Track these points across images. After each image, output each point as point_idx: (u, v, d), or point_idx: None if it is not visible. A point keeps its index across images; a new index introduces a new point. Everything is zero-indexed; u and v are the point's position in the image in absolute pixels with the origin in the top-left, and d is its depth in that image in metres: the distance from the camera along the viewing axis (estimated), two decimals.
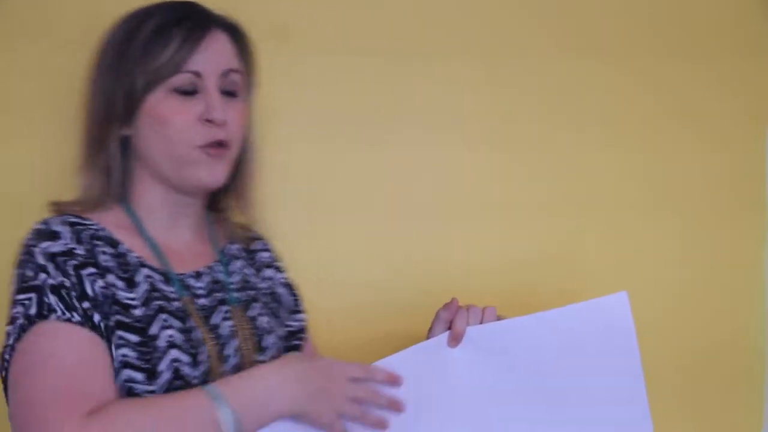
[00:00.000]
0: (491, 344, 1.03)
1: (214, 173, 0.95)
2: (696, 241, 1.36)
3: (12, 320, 0.85)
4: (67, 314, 0.84)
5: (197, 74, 0.93)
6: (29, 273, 0.86)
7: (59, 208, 0.95)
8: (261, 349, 0.99)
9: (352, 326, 1.29)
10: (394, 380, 0.93)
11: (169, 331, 0.90)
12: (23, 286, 0.86)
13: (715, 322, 1.38)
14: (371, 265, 1.32)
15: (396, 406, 0.93)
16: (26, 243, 0.89)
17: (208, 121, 0.94)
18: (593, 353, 1.08)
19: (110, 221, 0.95)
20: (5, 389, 0.86)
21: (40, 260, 0.86)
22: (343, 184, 1.32)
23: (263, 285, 1.07)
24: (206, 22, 0.96)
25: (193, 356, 0.91)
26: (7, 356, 0.84)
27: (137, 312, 0.89)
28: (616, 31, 1.34)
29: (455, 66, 1.31)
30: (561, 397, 1.07)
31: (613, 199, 1.35)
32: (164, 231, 0.98)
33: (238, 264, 1.06)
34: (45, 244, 0.88)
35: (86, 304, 0.85)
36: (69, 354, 0.83)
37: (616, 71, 1.34)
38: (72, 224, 0.91)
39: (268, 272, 1.10)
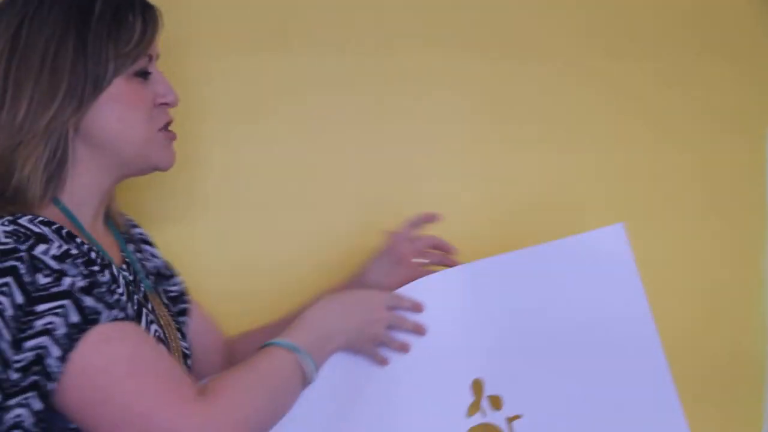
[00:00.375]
0: (490, 280, 1.08)
1: (172, 154, 0.97)
2: (696, 241, 1.36)
3: (42, 332, 0.77)
4: (114, 313, 0.81)
5: (150, 57, 0.93)
6: (45, 280, 0.78)
7: None
8: (182, 334, 1.04)
9: None
10: (418, 307, 1.02)
11: (154, 326, 0.91)
12: (43, 294, 0.78)
13: (715, 322, 1.39)
14: None
15: (420, 330, 1.02)
16: (12, 248, 0.79)
17: (163, 104, 0.95)
18: (593, 286, 1.11)
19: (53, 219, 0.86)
20: (64, 407, 0.80)
21: (53, 265, 0.79)
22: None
23: (150, 264, 1.06)
24: (149, 5, 0.94)
25: (168, 349, 0.93)
26: (56, 369, 0.77)
27: (129, 309, 0.86)
28: (616, 30, 1.35)
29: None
30: (564, 329, 1.10)
31: (613, 198, 1.35)
32: (90, 224, 0.93)
33: (131, 248, 1.03)
34: (41, 248, 0.80)
35: (116, 298, 0.84)
36: (144, 349, 0.82)
37: (615, 70, 1.34)
38: (41, 223, 0.83)
39: (146, 248, 1.09)
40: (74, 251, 0.82)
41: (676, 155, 1.34)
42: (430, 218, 1.13)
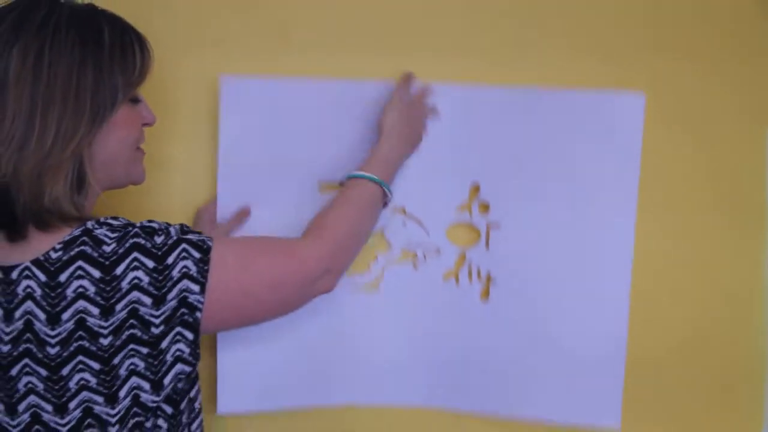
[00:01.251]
0: (509, 106, 1.26)
1: (144, 169, 1.06)
2: (695, 241, 1.37)
3: (180, 278, 0.90)
4: (206, 236, 0.96)
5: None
6: (159, 239, 0.91)
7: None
8: None
9: None
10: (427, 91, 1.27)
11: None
12: (165, 249, 0.91)
13: (714, 321, 1.39)
14: None
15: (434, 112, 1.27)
16: (124, 233, 0.91)
17: (145, 125, 1.03)
18: (598, 138, 1.27)
19: None
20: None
21: (156, 225, 0.93)
22: None
23: None
24: (138, 32, 1.00)
25: None
26: (199, 301, 0.92)
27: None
28: (616, 29, 1.35)
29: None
30: (559, 165, 1.27)
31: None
32: None
33: None
34: (138, 223, 0.93)
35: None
36: (245, 241, 1.04)
37: (615, 70, 1.35)
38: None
39: None
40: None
41: (675, 155, 1.35)
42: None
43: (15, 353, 0.88)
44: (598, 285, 1.30)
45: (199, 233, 0.95)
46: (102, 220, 0.92)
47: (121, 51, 0.95)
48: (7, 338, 0.89)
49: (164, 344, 0.90)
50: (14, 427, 0.90)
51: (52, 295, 0.87)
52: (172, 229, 0.93)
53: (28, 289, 0.88)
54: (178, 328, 0.91)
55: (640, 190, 1.33)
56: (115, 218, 0.93)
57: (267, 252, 1.00)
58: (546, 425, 1.32)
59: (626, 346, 1.33)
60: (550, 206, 1.29)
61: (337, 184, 1.26)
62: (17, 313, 0.88)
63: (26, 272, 0.88)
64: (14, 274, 0.89)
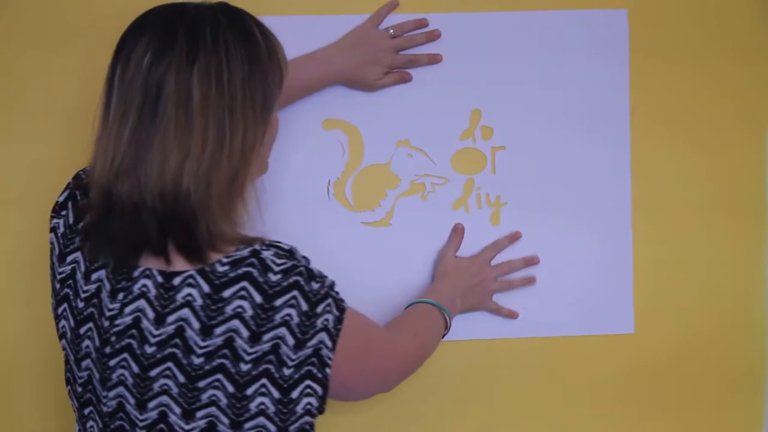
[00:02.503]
0: (498, 30, 1.32)
1: None
2: (695, 241, 1.37)
3: (321, 330, 0.91)
4: (344, 302, 0.97)
5: None
6: (316, 285, 0.92)
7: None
8: None
9: None
10: (422, 23, 1.30)
11: None
12: (318, 298, 0.91)
13: (714, 322, 1.38)
14: None
15: (434, 36, 1.31)
16: (292, 265, 0.91)
17: None
18: (586, 55, 1.33)
19: None
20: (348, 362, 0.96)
21: (317, 272, 0.93)
22: None
23: None
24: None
25: None
26: (329, 354, 0.92)
27: None
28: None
29: None
30: (553, 85, 1.33)
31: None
32: None
33: None
34: (304, 260, 0.95)
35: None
36: (365, 318, 1.03)
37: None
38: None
39: None
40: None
41: (675, 155, 1.36)
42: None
43: (159, 355, 0.90)
44: (601, 195, 1.34)
45: (338, 293, 0.96)
46: (269, 241, 0.93)
47: (275, 54, 0.95)
48: (153, 340, 0.90)
49: (295, 394, 0.91)
50: (142, 421, 0.92)
51: (213, 307, 0.88)
52: (327, 280, 0.93)
53: (189, 297, 0.89)
54: (308, 381, 0.91)
55: (640, 191, 1.35)
56: (280, 242, 0.94)
57: (381, 337, 1.06)
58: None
59: (629, 354, 1.37)
60: (550, 124, 1.33)
61: (341, 121, 1.32)
62: (170, 318, 0.89)
63: (190, 280, 0.89)
64: (176, 281, 0.90)
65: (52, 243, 1.03)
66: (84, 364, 0.97)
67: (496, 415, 1.37)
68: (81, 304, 0.97)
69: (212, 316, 0.88)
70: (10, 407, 1.34)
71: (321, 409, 0.95)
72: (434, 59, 1.30)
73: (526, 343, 1.36)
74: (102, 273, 0.95)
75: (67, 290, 0.99)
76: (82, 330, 0.97)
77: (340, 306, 0.94)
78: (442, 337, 1.21)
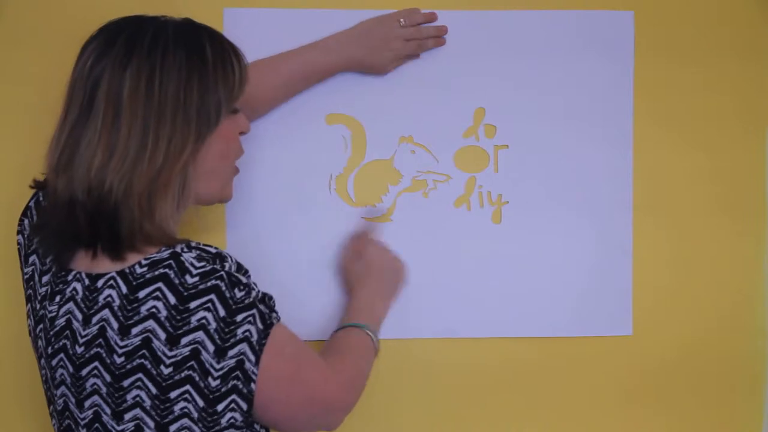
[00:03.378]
0: (504, 29, 1.32)
1: (232, 189, 1.07)
2: (695, 241, 1.37)
3: (241, 340, 0.89)
4: (274, 315, 0.96)
5: None
6: (240, 293, 0.90)
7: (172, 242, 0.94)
8: None
9: None
10: (431, 17, 1.30)
11: None
12: (239, 306, 0.89)
13: (715, 321, 1.38)
14: None
15: (442, 31, 1.31)
16: (210, 269, 0.90)
17: (241, 133, 1.05)
18: (590, 55, 1.33)
19: None
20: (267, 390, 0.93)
21: (243, 279, 0.91)
22: None
23: None
24: (233, 44, 1.01)
25: None
26: (253, 372, 0.90)
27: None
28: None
29: None
30: (557, 85, 1.33)
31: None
32: None
33: None
34: (227, 265, 0.93)
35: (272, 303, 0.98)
36: (297, 340, 0.99)
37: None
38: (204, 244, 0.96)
39: None
40: (239, 263, 0.97)
41: (675, 155, 1.36)
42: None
43: (87, 355, 0.91)
44: (603, 195, 1.34)
45: (271, 308, 0.96)
46: (194, 244, 0.93)
47: (222, 66, 0.96)
48: (82, 340, 0.92)
49: (220, 407, 0.90)
50: (81, 420, 0.94)
51: (128, 307, 0.89)
52: (253, 291, 0.92)
53: (108, 298, 0.90)
54: (234, 396, 0.90)
55: (640, 191, 1.35)
56: (209, 246, 0.94)
57: (314, 366, 1.00)
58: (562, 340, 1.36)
59: (628, 354, 1.37)
60: (553, 123, 1.33)
61: (344, 116, 1.32)
62: (94, 319, 0.91)
63: (111, 281, 0.91)
64: (100, 283, 0.92)
65: (19, 244, 1.07)
66: (41, 362, 1.01)
67: (494, 415, 1.37)
68: (37, 305, 1.00)
69: (129, 316, 0.89)
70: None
71: (248, 424, 0.95)
72: (439, 42, 1.31)
73: (525, 343, 1.35)
74: (49, 275, 0.98)
75: (29, 291, 1.03)
76: (38, 330, 1.00)
77: (266, 321, 0.92)
78: (375, 356, 1.16)
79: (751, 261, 1.38)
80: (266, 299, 0.95)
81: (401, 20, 1.28)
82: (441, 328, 1.33)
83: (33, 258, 1.03)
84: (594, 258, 1.34)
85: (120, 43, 0.92)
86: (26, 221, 1.06)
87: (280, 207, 1.30)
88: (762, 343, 1.39)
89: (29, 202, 1.09)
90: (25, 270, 1.05)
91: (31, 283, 1.02)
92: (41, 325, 0.98)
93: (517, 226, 1.33)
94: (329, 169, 1.32)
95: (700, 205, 1.37)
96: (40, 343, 0.99)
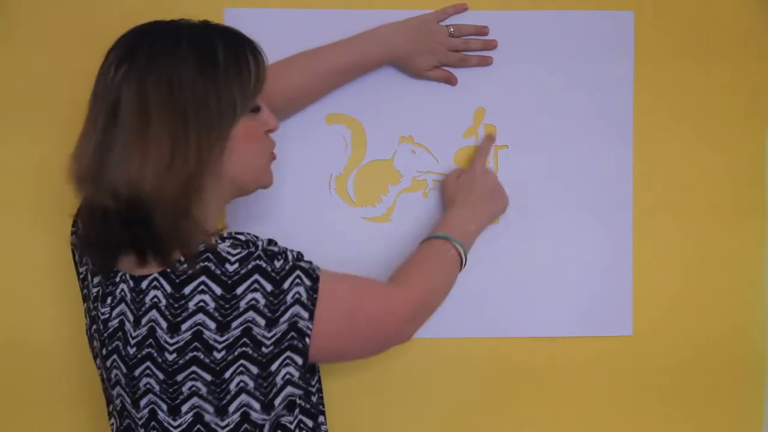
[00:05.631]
0: (505, 29, 1.32)
1: (272, 173, 1.09)
2: (696, 241, 1.37)
3: (293, 303, 0.94)
4: (314, 265, 0.99)
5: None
6: (279, 263, 0.94)
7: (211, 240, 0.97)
8: None
9: None
10: (482, 30, 1.31)
11: None
12: (282, 275, 0.94)
13: (715, 322, 1.38)
14: None
15: (489, 45, 1.31)
16: (247, 253, 0.94)
17: (268, 131, 1.05)
18: (592, 57, 1.33)
19: None
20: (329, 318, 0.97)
21: (276, 249, 0.96)
22: None
23: None
24: (253, 41, 1.02)
25: None
26: (308, 328, 0.94)
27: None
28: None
29: None
30: (558, 85, 1.34)
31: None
32: None
33: None
34: (261, 243, 0.98)
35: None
36: (347, 276, 1.04)
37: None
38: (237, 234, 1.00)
39: None
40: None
41: (675, 155, 1.36)
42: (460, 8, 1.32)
43: (139, 356, 0.94)
44: (603, 196, 1.34)
45: (309, 262, 0.99)
46: (226, 234, 0.97)
47: (235, 66, 0.97)
48: (133, 341, 0.95)
49: (274, 366, 0.94)
50: (139, 419, 0.97)
51: (175, 305, 0.92)
52: (289, 254, 0.96)
53: (155, 299, 0.93)
54: (288, 353, 0.94)
55: (640, 191, 1.35)
56: (239, 233, 0.98)
57: (372, 293, 1.05)
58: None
59: (628, 355, 1.37)
60: (553, 124, 1.34)
61: (344, 116, 1.32)
62: (143, 320, 0.94)
63: (155, 282, 0.94)
64: (144, 284, 0.94)
65: (73, 244, 1.09)
66: (97, 362, 1.04)
67: (494, 415, 1.37)
68: (91, 306, 1.02)
69: (177, 314, 0.92)
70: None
71: (305, 380, 0.98)
72: (485, 61, 1.32)
73: (525, 343, 1.35)
74: (99, 277, 1.00)
75: (85, 290, 1.05)
76: (93, 330, 1.02)
77: (311, 275, 0.96)
78: (460, 270, 1.19)
79: (751, 261, 1.38)
80: (301, 256, 0.99)
81: (451, 29, 1.29)
82: (441, 328, 1.33)
83: (86, 258, 1.05)
84: (594, 258, 1.34)
85: (141, 52, 0.94)
86: (79, 221, 1.07)
87: (280, 207, 1.30)
88: (762, 344, 1.39)
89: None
90: (80, 270, 1.08)
91: (86, 282, 1.05)
92: (95, 326, 1.01)
93: (516, 227, 1.33)
94: (329, 169, 1.32)
95: (700, 204, 1.37)
96: (95, 343, 1.02)
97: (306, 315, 0.94)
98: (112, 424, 1.05)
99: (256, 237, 0.99)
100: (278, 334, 0.93)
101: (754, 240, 1.38)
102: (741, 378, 1.39)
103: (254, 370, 0.93)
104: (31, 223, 1.31)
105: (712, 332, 1.38)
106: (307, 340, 0.94)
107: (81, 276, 1.07)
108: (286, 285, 0.93)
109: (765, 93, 1.37)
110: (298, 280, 0.94)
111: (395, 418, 1.35)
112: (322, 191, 1.32)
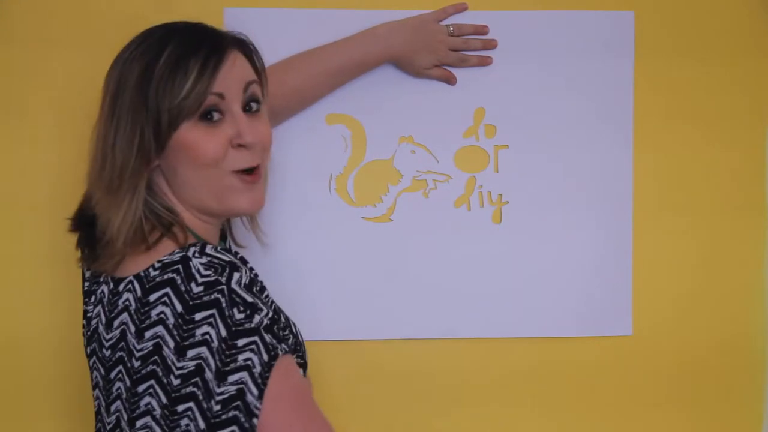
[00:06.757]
0: (505, 29, 1.32)
1: (254, 198, 0.97)
2: (696, 241, 1.37)
3: (243, 368, 0.84)
4: (283, 346, 0.88)
5: (221, 96, 0.92)
6: (239, 316, 0.85)
7: (181, 243, 0.92)
8: None
9: None
10: (482, 30, 1.31)
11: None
12: (239, 330, 0.84)
13: (715, 322, 1.38)
14: None
15: (489, 45, 1.31)
16: (213, 281, 0.86)
17: (240, 145, 0.94)
18: (591, 55, 1.33)
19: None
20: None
21: (248, 298, 0.86)
22: None
23: None
24: (220, 45, 0.94)
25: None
26: (255, 404, 0.84)
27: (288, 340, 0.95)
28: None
29: None
30: (558, 85, 1.33)
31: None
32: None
33: None
34: (236, 277, 0.87)
35: (283, 331, 0.93)
36: (299, 378, 0.93)
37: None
38: (223, 250, 0.92)
39: None
40: (254, 277, 0.93)
41: (675, 155, 1.36)
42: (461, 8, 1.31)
43: (113, 359, 0.91)
44: (603, 196, 1.34)
45: (273, 336, 0.87)
46: (209, 249, 0.90)
47: (172, 69, 0.90)
48: (107, 344, 0.93)
49: None
50: (108, 424, 0.94)
51: (142, 311, 0.88)
52: (257, 316, 0.85)
53: (126, 302, 0.90)
54: (234, 428, 0.83)
55: (640, 191, 1.35)
56: (226, 252, 0.91)
57: (317, 418, 0.92)
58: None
59: (628, 355, 1.37)
60: (553, 123, 1.34)
61: (344, 116, 1.32)
62: (116, 323, 0.91)
63: (129, 285, 0.91)
64: (121, 287, 0.92)
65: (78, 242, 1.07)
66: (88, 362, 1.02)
67: (494, 415, 1.37)
68: (84, 302, 1.01)
69: (142, 320, 0.88)
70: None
71: None
72: (484, 61, 1.32)
73: (525, 343, 1.35)
74: (90, 273, 1.00)
75: (82, 287, 1.04)
76: (84, 327, 1.01)
77: (270, 352, 0.85)
78: None
79: (751, 261, 1.38)
80: (274, 328, 0.88)
81: (450, 28, 1.29)
82: (441, 328, 1.33)
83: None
84: (594, 258, 1.34)
85: (119, 54, 0.95)
86: None
87: (280, 207, 1.30)
88: (762, 343, 1.39)
89: None
90: (80, 265, 1.06)
91: (83, 277, 1.05)
92: (84, 322, 1.01)
93: (517, 226, 1.33)
94: (329, 169, 1.32)
95: (700, 204, 1.37)
96: (84, 341, 1.01)
97: (255, 391, 0.84)
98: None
99: (241, 267, 0.89)
100: (226, 395, 0.83)
101: (754, 240, 1.38)
102: (741, 378, 1.39)
103: (201, 424, 0.84)
104: (31, 223, 1.31)
105: (713, 332, 1.38)
106: (255, 421, 0.84)
107: (82, 273, 1.06)
108: (240, 343, 0.84)
109: (765, 92, 1.37)
110: (254, 348, 0.84)
111: (395, 418, 1.35)
112: (322, 191, 1.32)
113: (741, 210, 1.37)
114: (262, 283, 0.94)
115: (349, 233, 1.32)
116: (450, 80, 1.31)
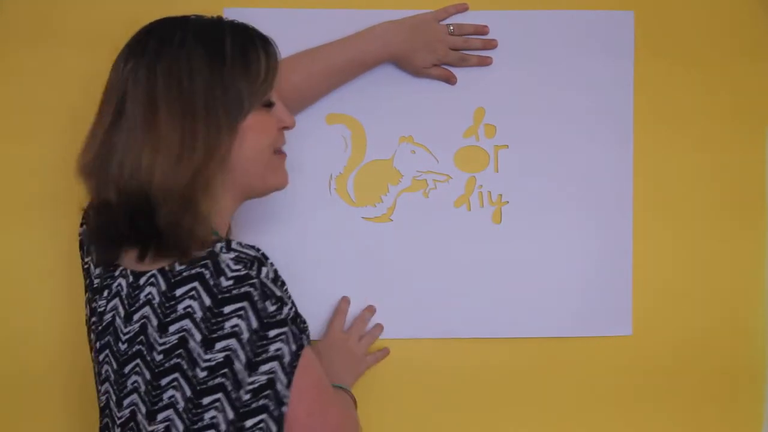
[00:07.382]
0: (506, 29, 1.32)
1: (286, 174, 1.07)
2: (695, 241, 1.37)
3: (274, 358, 0.88)
4: (304, 337, 0.93)
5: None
6: (271, 308, 0.88)
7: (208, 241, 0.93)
8: None
9: None
10: (482, 29, 1.31)
11: None
12: (270, 321, 0.88)
13: (715, 321, 1.38)
14: None
15: (489, 45, 1.31)
16: (244, 275, 0.88)
17: (283, 128, 1.04)
18: (592, 57, 1.34)
19: None
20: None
21: (277, 291, 0.89)
22: None
23: None
24: (265, 37, 1.01)
25: None
26: (285, 392, 0.88)
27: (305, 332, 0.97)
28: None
29: None
30: (557, 84, 1.33)
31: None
32: None
33: None
34: (264, 272, 0.90)
35: (303, 323, 0.95)
36: (321, 368, 0.97)
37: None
38: (247, 246, 0.94)
39: None
40: (276, 271, 0.94)
41: (675, 155, 1.36)
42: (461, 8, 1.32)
43: (130, 352, 0.93)
44: (603, 196, 1.34)
45: (300, 328, 0.92)
46: (234, 244, 0.92)
47: (242, 60, 0.95)
48: (124, 338, 0.94)
49: (249, 423, 0.88)
50: (119, 419, 0.95)
51: (166, 305, 0.90)
52: (285, 308, 0.89)
53: (149, 296, 0.91)
54: (264, 416, 0.88)
55: (640, 191, 1.35)
56: (251, 247, 0.93)
57: (338, 401, 1.02)
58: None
59: (628, 355, 1.37)
60: (553, 123, 1.34)
61: (344, 116, 1.32)
62: (136, 316, 0.92)
63: (152, 279, 0.92)
64: (142, 280, 0.93)
65: (82, 235, 1.08)
66: (92, 355, 1.02)
67: (494, 415, 1.37)
68: (91, 297, 1.02)
69: (167, 314, 0.90)
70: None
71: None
72: (484, 61, 1.32)
73: (525, 343, 1.36)
74: (101, 269, 1.00)
75: (87, 280, 1.04)
76: (91, 322, 1.01)
77: (297, 342, 0.90)
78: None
79: (751, 261, 1.38)
80: (297, 320, 0.92)
81: (450, 27, 1.29)
82: (441, 328, 1.33)
83: (93, 249, 1.03)
84: (594, 258, 1.34)
85: (150, 46, 0.93)
86: (91, 212, 1.05)
87: (280, 206, 1.30)
88: (762, 343, 1.39)
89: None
90: (85, 260, 1.06)
91: (89, 273, 1.04)
92: (93, 318, 1.01)
93: (517, 226, 1.33)
94: (329, 169, 1.33)
95: (700, 204, 1.37)
96: (92, 336, 1.02)
97: (285, 380, 0.89)
98: (101, 421, 1.02)
99: (266, 261, 0.92)
100: (257, 384, 0.87)
101: (754, 240, 1.38)
102: (741, 378, 1.39)
103: (230, 414, 0.87)
104: (31, 222, 1.31)
105: (712, 332, 1.38)
106: (284, 409, 0.89)
107: (85, 267, 1.06)
108: (271, 333, 0.88)
109: (765, 93, 1.37)
110: (283, 337, 0.88)
111: (395, 418, 1.35)
112: (322, 191, 1.32)
113: (741, 210, 1.37)
114: (281, 277, 0.96)
115: (349, 233, 1.32)
116: (450, 80, 1.31)
